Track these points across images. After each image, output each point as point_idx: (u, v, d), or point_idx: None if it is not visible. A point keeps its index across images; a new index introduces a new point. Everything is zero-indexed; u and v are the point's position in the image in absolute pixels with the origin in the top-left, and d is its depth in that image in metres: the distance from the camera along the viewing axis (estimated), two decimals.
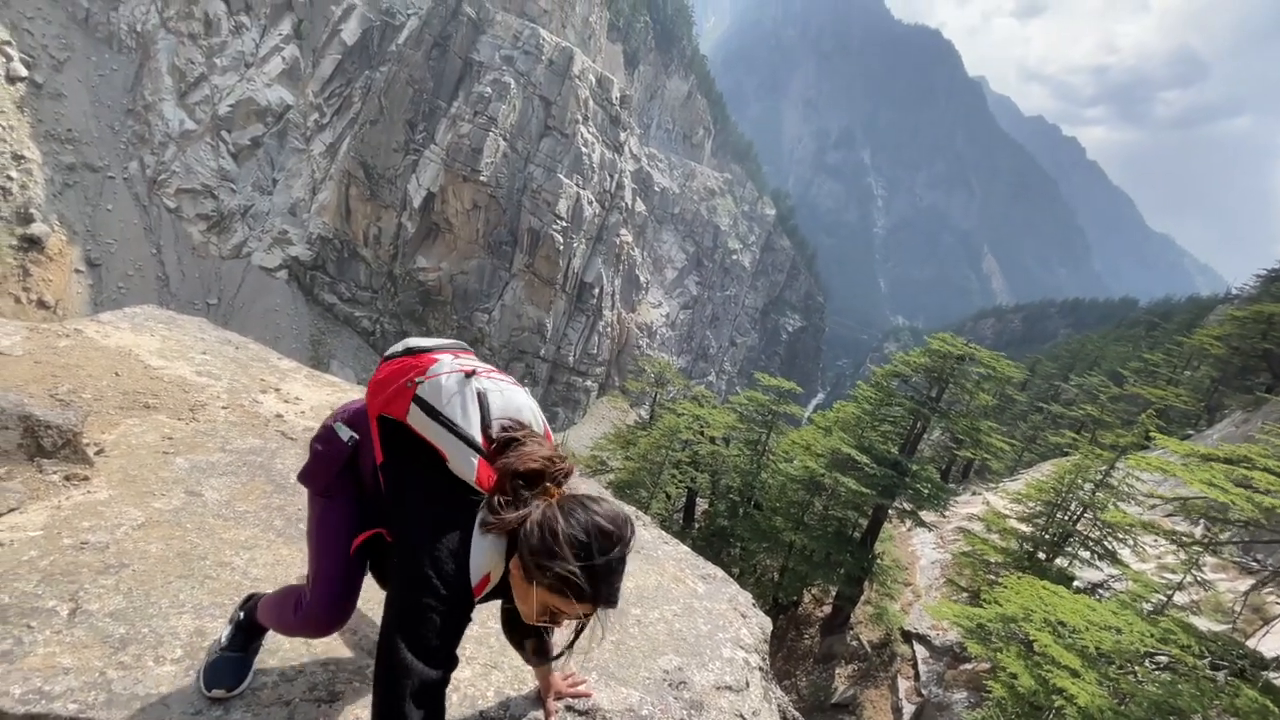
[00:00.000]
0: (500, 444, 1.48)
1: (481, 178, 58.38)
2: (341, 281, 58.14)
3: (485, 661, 2.26)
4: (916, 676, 12.03)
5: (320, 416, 3.85)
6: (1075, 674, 5.97)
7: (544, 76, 62.74)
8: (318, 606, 1.71)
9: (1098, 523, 11.09)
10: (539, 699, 2.11)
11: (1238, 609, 9.49)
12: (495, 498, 1.41)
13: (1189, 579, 9.04)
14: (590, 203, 64.72)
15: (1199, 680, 5.61)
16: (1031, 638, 6.84)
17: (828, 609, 15.47)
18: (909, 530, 17.63)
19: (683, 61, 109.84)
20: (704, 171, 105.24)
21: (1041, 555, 11.57)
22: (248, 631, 1.90)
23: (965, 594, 12.99)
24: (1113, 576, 11.06)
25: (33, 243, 42.85)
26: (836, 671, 13.62)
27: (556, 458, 1.47)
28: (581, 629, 1.47)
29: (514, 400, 1.60)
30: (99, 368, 3.55)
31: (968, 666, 11.53)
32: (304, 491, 1.81)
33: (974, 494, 21.67)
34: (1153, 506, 10.65)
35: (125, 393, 3.40)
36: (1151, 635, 6.03)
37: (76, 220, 46.29)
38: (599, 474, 18.97)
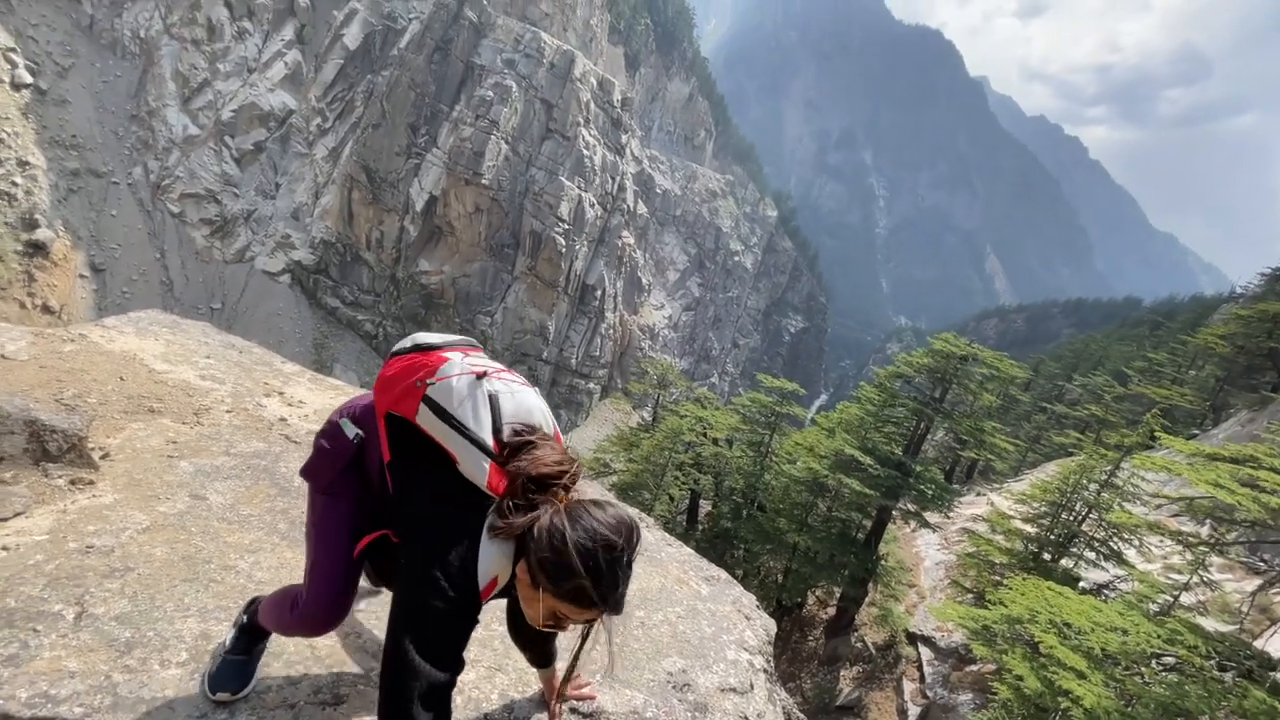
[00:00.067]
0: (512, 448, 1.47)
1: (483, 181, 58.48)
2: (344, 285, 58.28)
3: (489, 664, 2.26)
4: (922, 678, 11.98)
5: (324, 420, 3.86)
6: (1081, 675, 5.94)
7: (545, 80, 62.86)
8: (314, 605, 1.70)
9: (1103, 523, 11.04)
10: (543, 701, 2.11)
11: (1245, 609, 9.44)
12: (505, 502, 1.40)
13: (1195, 579, 8.98)
14: (592, 205, 64.78)
15: (1206, 681, 5.58)
16: (1037, 639, 6.82)
17: (832, 611, 15.44)
18: (913, 531, 17.56)
19: (684, 64, 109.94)
20: (705, 173, 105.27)
21: (1046, 556, 11.52)
22: (251, 634, 1.90)
23: (970, 595, 12.94)
24: (1118, 577, 11.00)
25: (38, 248, 43.06)
26: (841, 673, 13.58)
27: (568, 462, 1.46)
28: (587, 634, 1.47)
29: (525, 402, 1.58)
30: (104, 372, 3.57)
31: (973, 668, 11.48)
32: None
33: (978, 495, 21.60)
34: (1158, 506, 10.62)
35: (130, 397, 3.41)
36: (1158, 636, 6.00)
37: (81, 226, 46.52)
38: (602, 476, 18.96)
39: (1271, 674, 5.74)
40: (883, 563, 14.11)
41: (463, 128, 58.66)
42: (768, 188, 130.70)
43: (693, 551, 3.85)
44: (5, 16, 45.03)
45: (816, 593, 16.27)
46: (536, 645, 1.92)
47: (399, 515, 1.57)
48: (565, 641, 2.01)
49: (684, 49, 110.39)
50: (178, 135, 51.66)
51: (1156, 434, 10.88)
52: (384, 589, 2.11)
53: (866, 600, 14.68)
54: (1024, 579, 9.16)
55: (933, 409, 13.59)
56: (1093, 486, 11.22)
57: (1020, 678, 6.61)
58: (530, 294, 61.97)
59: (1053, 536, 11.57)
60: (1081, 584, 10.92)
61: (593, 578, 1.27)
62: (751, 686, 2.67)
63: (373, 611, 2.41)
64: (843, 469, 13.27)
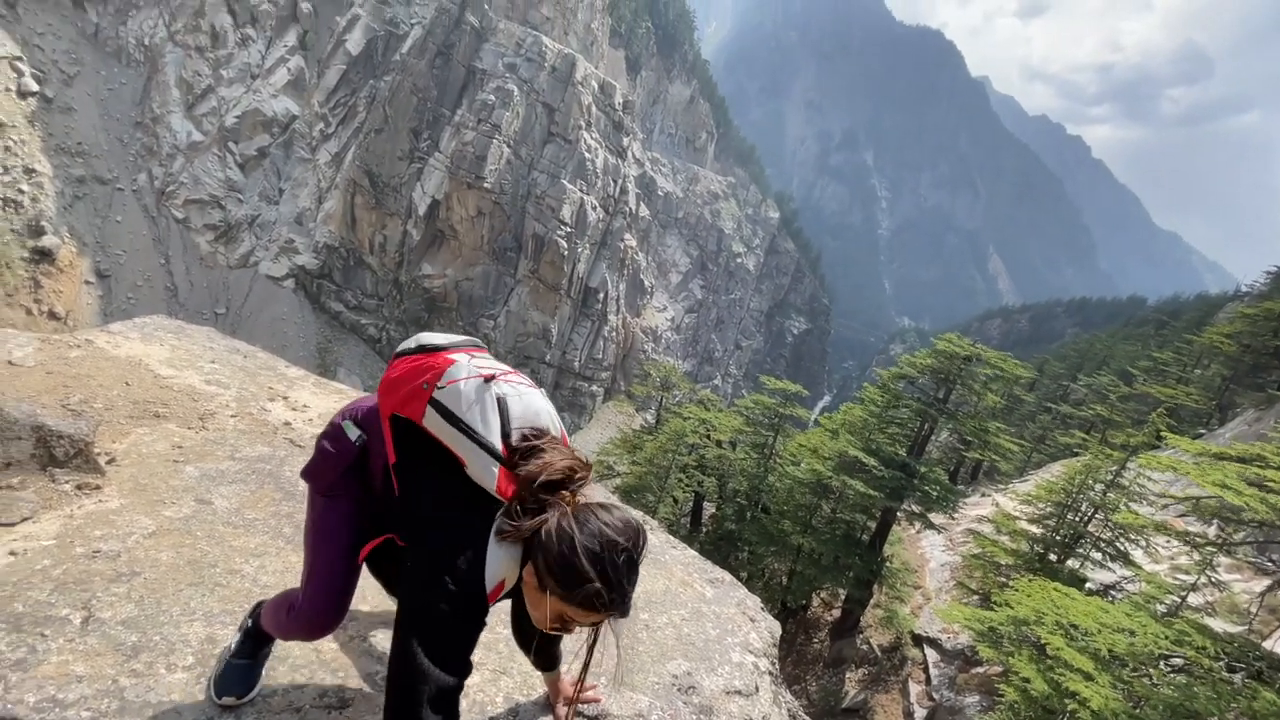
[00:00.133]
0: (521, 452, 1.46)
1: (486, 184, 58.63)
2: (348, 289, 58.44)
3: (494, 667, 2.27)
4: (928, 680, 11.93)
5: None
6: (1089, 677, 5.91)
7: (547, 83, 63.03)
8: (311, 607, 1.70)
9: (1109, 524, 10.99)
10: (548, 704, 2.10)
11: (1254, 610, 9.39)
12: (513, 505, 1.40)
13: (1203, 580, 8.93)
14: (594, 208, 64.87)
15: (1215, 683, 5.55)
16: (1043, 641, 6.78)
17: (837, 612, 15.39)
18: (918, 533, 17.51)
19: (685, 66, 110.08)
20: (707, 175, 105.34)
21: (1053, 557, 11.47)
22: (256, 638, 1.90)
23: (976, 596, 12.88)
24: (1125, 578, 10.94)
25: (44, 255, 43.30)
26: (847, 675, 13.53)
27: (578, 466, 1.45)
28: (594, 639, 1.47)
29: (533, 405, 1.57)
30: (109, 378, 3.58)
31: (980, 670, 11.43)
32: None
33: (983, 495, 21.53)
34: (1165, 506, 10.56)
35: (136, 402, 3.43)
36: (1166, 637, 5.96)
37: (86, 232, 46.77)
38: (605, 479, 18.95)
39: None
40: (887, 564, 14.07)
41: (465, 132, 58.84)
42: (770, 189, 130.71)
43: (697, 554, 3.85)
44: (11, 25, 45.36)
45: (821, 595, 16.23)
46: (541, 648, 1.91)
47: (405, 518, 1.56)
48: (569, 645, 2.01)
49: (685, 51, 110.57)
50: (182, 142, 51.94)
51: (1162, 434, 10.82)
52: (389, 593, 2.11)
53: (871, 602, 14.64)
54: (1030, 580, 9.12)
55: (937, 410, 13.57)
56: (1098, 487, 11.17)
57: (1027, 680, 6.58)
58: (533, 297, 62.05)
59: (1058, 537, 11.52)
60: (1088, 585, 10.87)
61: (600, 580, 1.27)
62: (756, 689, 2.67)
63: (377, 614, 2.41)
64: (847, 470, 13.25)
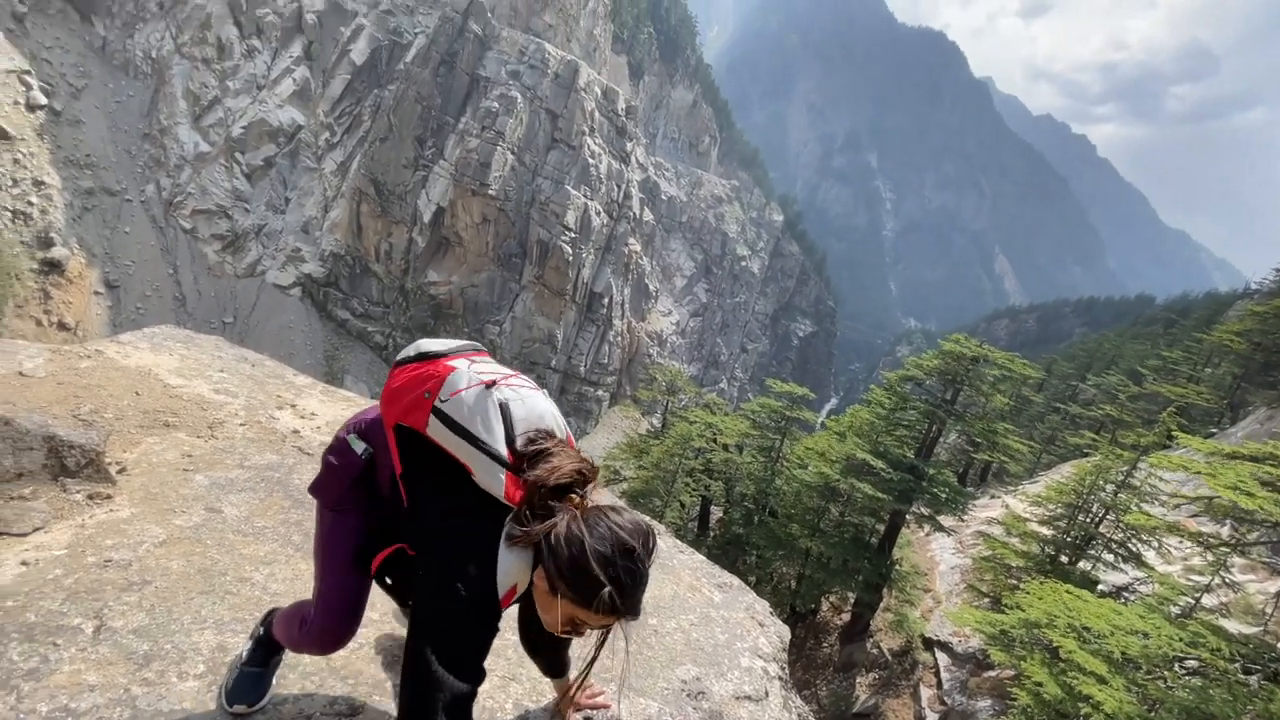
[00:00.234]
0: (528, 458, 1.45)
1: (490, 191, 58.89)
2: (354, 297, 58.75)
3: (503, 673, 2.26)
4: (939, 684, 11.83)
5: (335, 431, 3.89)
6: (1102, 680, 5.85)
7: (550, 90, 63.32)
8: (324, 623, 1.71)
9: (1121, 525, 10.89)
10: (558, 710, 2.10)
11: (1269, 611, 9.28)
12: (522, 510, 1.39)
13: (1217, 581, 8.83)
14: (598, 213, 65.04)
15: (1231, 685, 5.48)
16: (1056, 643, 6.72)
17: (846, 616, 15.30)
18: (927, 535, 17.39)
19: (687, 71, 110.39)
20: (711, 179, 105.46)
21: (1064, 559, 11.37)
22: (268, 646, 1.91)
23: (987, 599, 12.77)
24: (1138, 579, 10.84)
25: (53, 266, 43.75)
26: (857, 680, 13.44)
27: (585, 469, 1.45)
28: (604, 640, 1.47)
29: (536, 408, 1.57)
30: (120, 387, 3.61)
31: (991, 674, 11.33)
32: None
33: (993, 497, 21.39)
34: (1176, 507, 10.46)
35: (146, 412, 3.45)
36: (1180, 639, 5.89)
37: (95, 243, 47.23)
38: (612, 484, 18.94)
39: None
40: (897, 567, 13.97)
41: (469, 139, 59.16)
42: (773, 192, 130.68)
43: (704, 558, 3.84)
44: (20, 39, 45.97)
45: (830, 598, 16.14)
46: (550, 654, 1.91)
47: (414, 527, 1.56)
48: (578, 651, 2.01)
49: (687, 56, 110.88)
50: (189, 152, 52.43)
51: (1173, 433, 10.73)
52: (401, 607, 2.11)
53: (881, 605, 14.53)
54: (1041, 582, 9.04)
55: (944, 411, 13.49)
56: (1109, 487, 11.07)
57: (1040, 683, 6.52)
58: (538, 303, 62.20)
59: (1070, 539, 11.42)
60: (1100, 587, 10.76)
61: (611, 582, 1.27)
62: (766, 694, 2.65)
63: (387, 622, 2.42)
64: (855, 473, 13.18)
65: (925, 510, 13.82)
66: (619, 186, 69.28)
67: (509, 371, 1.64)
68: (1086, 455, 19.68)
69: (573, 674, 2.01)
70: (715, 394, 36.70)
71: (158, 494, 2.80)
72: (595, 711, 2.14)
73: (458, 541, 1.39)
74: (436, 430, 1.48)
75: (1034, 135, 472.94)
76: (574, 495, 1.42)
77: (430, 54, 60.28)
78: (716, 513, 19.05)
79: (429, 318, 59.38)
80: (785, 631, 3.30)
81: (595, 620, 1.33)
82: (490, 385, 1.52)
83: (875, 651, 13.84)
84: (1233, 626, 8.56)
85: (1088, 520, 11.36)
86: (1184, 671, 6.36)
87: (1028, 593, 8.25)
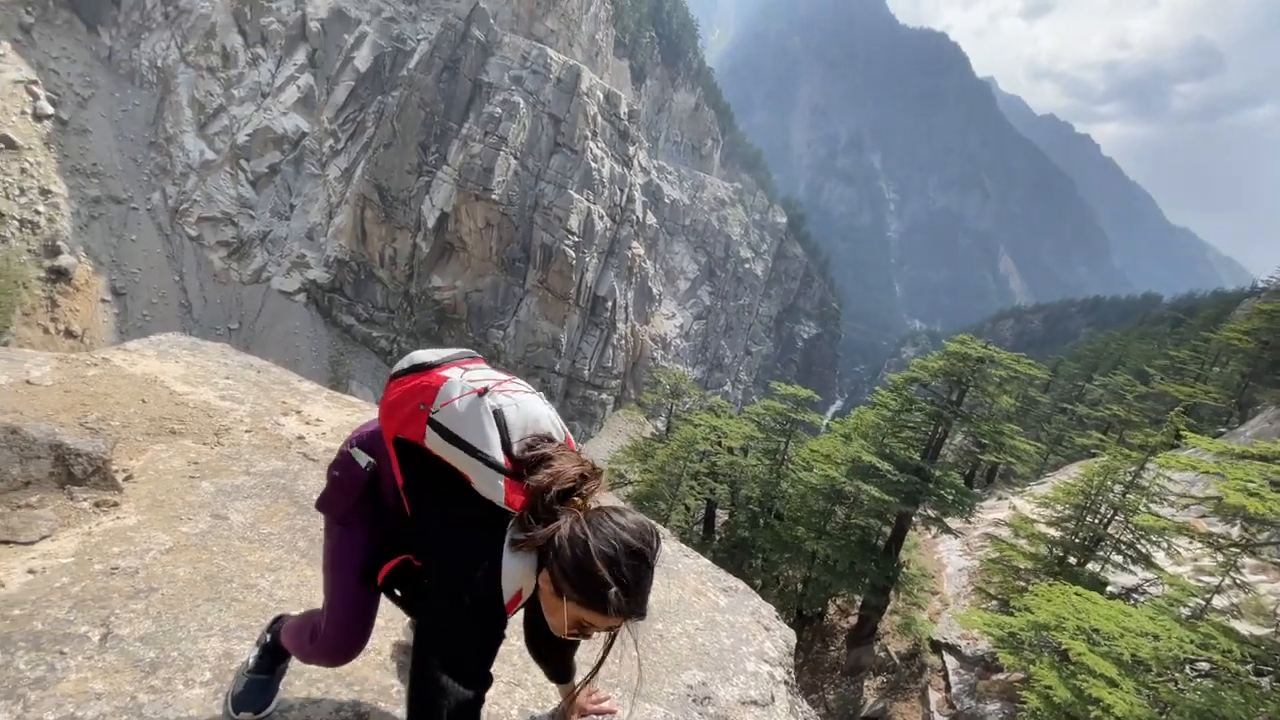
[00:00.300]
0: (528, 463, 1.44)
1: (493, 196, 59.06)
2: (359, 303, 58.97)
3: (509, 679, 2.26)
4: (948, 688, 11.76)
5: (341, 437, 3.90)
6: (1112, 683, 5.80)
7: (552, 95, 63.51)
8: (334, 636, 1.71)
9: (1129, 526, 10.81)
10: (563, 716, 2.09)
11: None
12: (525, 515, 1.39)
13: (1227, 582, 8.75)
14: (601, 217, 65.13)
15: (1243, 686, 5.43)
16: (1065, 646, 6.67)
17: (853, 620, 15.22)
18: (934, 537, 17.31)
19: (689, 74, 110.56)
20: (714, 182, 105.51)
21: (1072, 560, 11.29)
22: (274, 654, 1.91)
23: (995, 602, 12.69)
24: (1147, 581, 10.75)
25: (60, 274, 44.07)
26: (865, 684, 13.36)
27: (589, 472, 1.44)
28: (611, 642, 1.47)
29: (531, 412, 1.55)
30: (126, 395, 3.63)
31: (1000, 677, 11.25)
32: None
33: (1000, 499, 21.27)
34: (1185, 507, 10.39)
35: (152, 419, 3.47)
36: (1190, 641, 5.84)
37: (102, 251, 47.56)
38: (617, 487, 18.92)
39: None
40: (904, 570, 13.91)
41: (472, 144, 59.37)
42: (776, 194, 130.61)
43: (710, 562, 3.83)
44: (27, 50, 46.42)
45: (837, 602, 16.07)
46: (555, 659, 1.91)
47: (418, 537, 1.56)
48: (584, 656, 2.00)
49: (689, 59, 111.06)
50: (195, 160, 52.79)
51: (1181, 433, 10.66)
52: (410, 616, 2.11)
53: (889, 608, 14.46)
54: (1050, 584, 8.99)
55: (950, 413, 13.44)
56: (1117, 488, 11.00)
57: (1049, 686, 6.47)
58: (542, 307, 62.29)
59: (1078, 540, 11.34)
60: (1109, 588, 10.69)
61: (616, 583, 1.27)
62: (773, 699, 2.64)
63: (393, 629, 2.41)
64: (861, 475, 13.13)
65: (932, 512, 13.76)
66: (622, 190, 69.37)
67: (503, 377, 1.64)
68: (1094, 456, 19.53)
69: (578, 679, 2.01)
70: (719, 397, 36.65)
71: (164, 501, 2.81)
72: (601, 717, 2.13)
73: (461, 549, 1.39)
74: (433, 441, 1.48)
75: (1037, 135, 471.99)
76: (577, 498, 1.41)
77: (433, 60, 60.58)
78: (722, 516, 19.01)
79: (433, 323, 59.55)
80: (791, 635, 3.28)
81: (601, 622, 1.33)
82: (483, 393, 1.51)
83: (883, 655, 13.76)
84: (1244, 628, 8.48)
85: (1096, 521, 11.28)
86: (1195, 674, 6.31)
87: (1036, 595, 8.19)
